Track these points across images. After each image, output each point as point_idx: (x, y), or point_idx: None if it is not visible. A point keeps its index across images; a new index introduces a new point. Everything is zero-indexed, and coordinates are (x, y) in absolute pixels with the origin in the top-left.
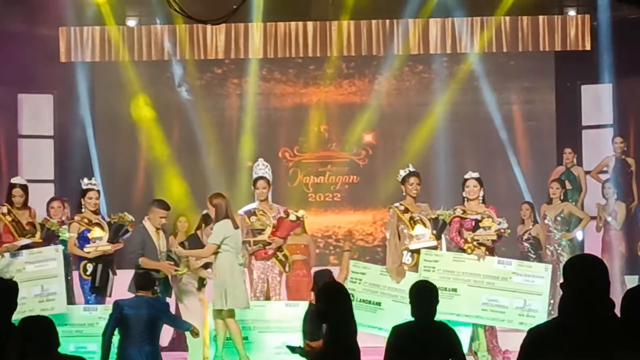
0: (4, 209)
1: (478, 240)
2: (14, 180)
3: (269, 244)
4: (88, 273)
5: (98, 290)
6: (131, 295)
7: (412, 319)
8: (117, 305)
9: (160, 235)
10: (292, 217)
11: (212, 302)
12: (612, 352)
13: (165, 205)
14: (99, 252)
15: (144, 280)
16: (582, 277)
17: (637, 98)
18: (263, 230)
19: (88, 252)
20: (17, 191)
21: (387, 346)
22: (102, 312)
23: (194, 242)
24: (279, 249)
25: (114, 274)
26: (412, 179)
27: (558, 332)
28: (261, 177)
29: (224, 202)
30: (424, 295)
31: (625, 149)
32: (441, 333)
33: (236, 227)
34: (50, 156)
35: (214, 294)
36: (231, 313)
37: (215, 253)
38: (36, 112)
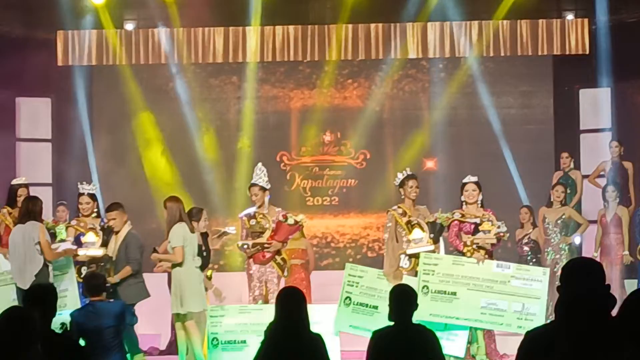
0: (4, 211)
1: (478, 243)
2: (17, 182)
3: (268, 246)
4: (82, 276)
5: None
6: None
7: (391, 322)
8: (72, 318)
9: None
10: (291, 221)
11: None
12: (609, 355)
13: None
14: (88, 256)
15: (94, 284)
16: (578, 279)
17: (635, 102)
18: (262, 233)
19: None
20: (22, 191)
21: (368, 350)
22: None
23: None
24: (278, 252)
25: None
26: (411, 182)
27: (555, 334)
28: (254, 185)
29: (177, 206)
30: (403, 299)
31: (621, 153)
32: (421, 335)
33: (191, 230)
34: (48, 160)
35: (172, 298)
36: (191, 316)
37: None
38: (34, 115)
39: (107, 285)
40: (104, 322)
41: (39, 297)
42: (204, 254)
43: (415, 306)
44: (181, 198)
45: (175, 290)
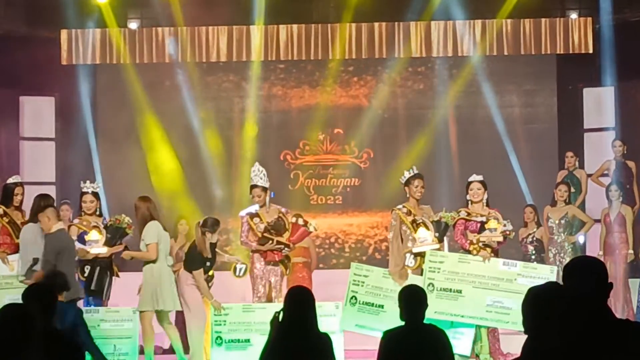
0: (0, 211)
1: (484, 241)
2: (13, 180)
3: (287, 246)
4: (85, 275)
5: (94, 292)
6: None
7: (402, 322)
8: None
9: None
10: (311, 229)
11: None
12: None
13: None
14: (92, 255)
15: (59, 283)
16: (579, 278)
17: (639, 101)
18: (283, 232)
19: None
20: (19, 189)
21: (380, 350)
22: (103, 315)
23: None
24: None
25: (116, 275)
26: (416, 181)
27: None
28: (255, 186)
29: (148, 205)
30: (413, 299)
31: (625, 152)
32: (432, 335)
33: (164, 228)
34: (52, 159)
35: (142, 295)
36: (166, 317)
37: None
38: (38, 114)
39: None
40: (60, 323)
41: (37, 295)
42: (208, 263)
43: (425, 306)
44: (150, 199)
45: (148, 287)
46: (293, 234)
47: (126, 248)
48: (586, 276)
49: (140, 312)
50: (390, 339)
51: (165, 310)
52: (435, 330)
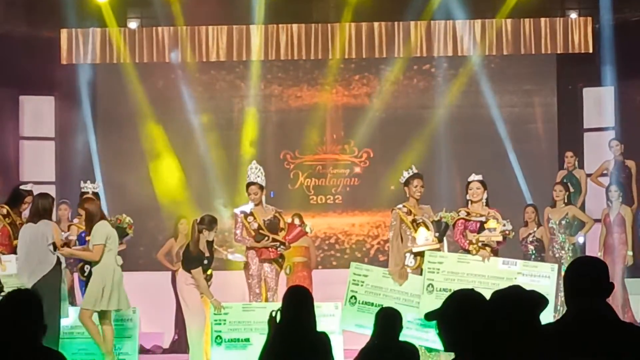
0: (4, 211)
1: (483, 241)
2: (28, 187)
3: (282, 244)
4: (85, 274)
5: None
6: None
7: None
8: None
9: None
10: (307, 229)
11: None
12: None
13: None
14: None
15: None
16: (581, 277)
17: (639, 101)
18: (278, 231)
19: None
20: (29, 199)
21: None
22: None
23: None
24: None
25: None
26: (416, 181)
27: (560, 332)
28: (252, 183)
29: (96, 206)
30: (388, 321)
31: (622, 151)
32: (404, 352)
33: (114, 229)
34: (52, 158)
35: (89, 294)
36: (108, 315)
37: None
38: (38, 114)
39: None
40: None
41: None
42: (206, 261)
43: (400, 328)
44: (98, 199)
45: (94, 286)
46: (289, 233)
47: (66, 245)
48: (585, 274)
49: (81, 309)
50: (364, 355)
51: (108, 310)
52: (406, 347)
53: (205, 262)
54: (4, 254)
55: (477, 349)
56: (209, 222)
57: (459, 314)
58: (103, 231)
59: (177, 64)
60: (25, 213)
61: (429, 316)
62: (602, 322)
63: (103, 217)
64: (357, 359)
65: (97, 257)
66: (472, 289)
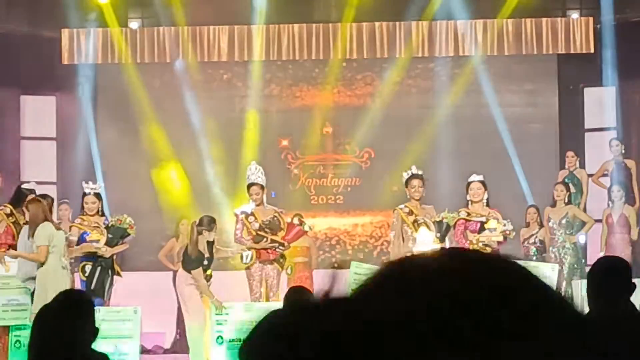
0: (7, 210)
1: (484, 241)
2: (30, 186)
3: (281, 247)
4: (86, 274)
5: (94, 292)
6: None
7: None
8: None
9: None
10: (306, 228)
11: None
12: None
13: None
14: (93, 249)
15: None
16: (608, 277)
17: None
18: (277, 231)
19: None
20: (31, 197)
21: None
22: (104, 314)
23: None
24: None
25: (118, 275)
26: (414, 182)
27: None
28: (254, 184)
29: (40, 207)
30: None
31: (622, 151)
32: None
33: (57, 228)
34: (53, 158)
35: (36, 298)
36: None
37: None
38: (39, 114)
39: None
40: None
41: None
42: (206, 262)
43: None
44: (42, 200)
45: (41, 289)
46: (288, 233)
47: (13, 247)
48: (610, 274)
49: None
50: None
51: None
52: None
53: (205, 262)
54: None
55: None
56: (208, 223)
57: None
58: (46, 233)
59: (180, 72)
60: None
61: None
62: (633, 320)
63: (47, 219)
64: None
65: (42, 258)
66: None
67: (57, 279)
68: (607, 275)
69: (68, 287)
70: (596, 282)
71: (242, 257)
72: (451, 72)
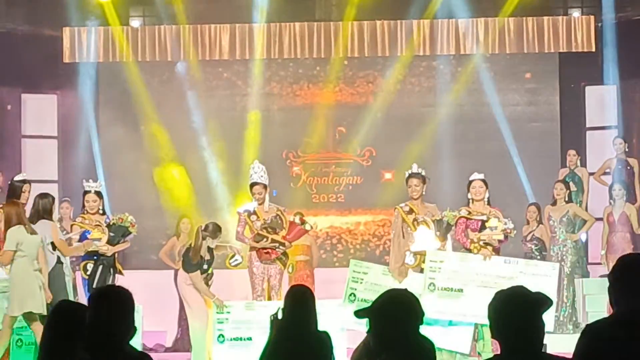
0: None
1: (484, 240)
2: (21, 177)
3: (282, 246)
4: (88, 273)
5: None
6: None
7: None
8: None
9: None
10: (307, 227)
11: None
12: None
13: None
14: (93, 247)
15: None
16: (634, 276)
17: None
18: (279, 230)
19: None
20: (27, 187)
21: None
22: None
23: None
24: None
25: (119, 274)
26: (413, 181)
27: (615, 326)
28: (256, 183)
29: (14, 210)
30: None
31: (626, 149)
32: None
33: (31, 232)
34: (54, 156)
35: (11, 301)
36: (35, 318)
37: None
38: (40, 112)
39: None
40: None
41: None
42: (205, 265)
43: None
44: (19, 202)
45: (15, 293)
46: (290, 232)
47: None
48: (637, 273)
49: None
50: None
51: (35, 312)
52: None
53: (205, 266)
54: None
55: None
56: (213, 231)
57: (392, 312)
58: (14, 237)
59: (183, 75)
60: (29, 203)
61: (359, 313)
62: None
63: (20, 222)
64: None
65: (5, 261)
66: (406, 289)
67: (26, 283)
68: (635, 274)
69: (39, 289)
70: (623, 281)
71: (230, 257)
72: (452, 70)
